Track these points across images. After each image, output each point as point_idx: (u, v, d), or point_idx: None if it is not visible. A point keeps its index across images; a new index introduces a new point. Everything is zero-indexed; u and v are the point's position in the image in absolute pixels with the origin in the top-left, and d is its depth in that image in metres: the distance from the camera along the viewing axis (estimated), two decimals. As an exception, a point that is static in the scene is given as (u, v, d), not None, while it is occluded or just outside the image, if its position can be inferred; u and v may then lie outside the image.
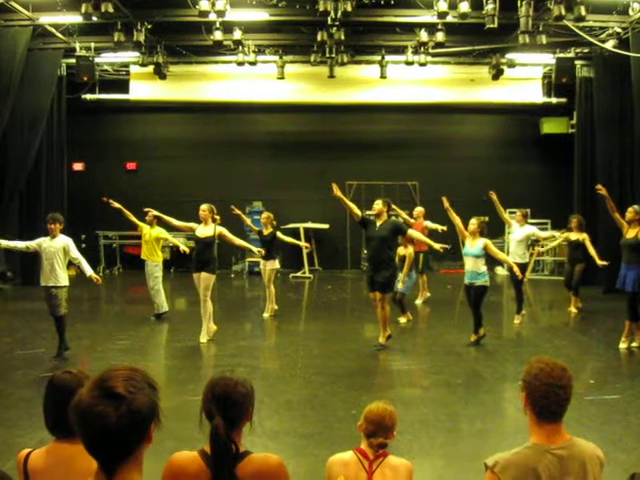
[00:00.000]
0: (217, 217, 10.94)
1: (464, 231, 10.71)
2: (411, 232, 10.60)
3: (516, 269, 10.51)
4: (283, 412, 7.43)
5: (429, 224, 14.30)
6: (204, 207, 10.84)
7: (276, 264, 13.06)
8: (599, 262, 12.30)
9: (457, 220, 10.99)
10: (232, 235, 10.95)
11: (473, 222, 10.59)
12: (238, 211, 13.53)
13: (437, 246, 10.75)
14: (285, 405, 7.69)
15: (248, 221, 14.26)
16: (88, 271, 9.56)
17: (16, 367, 9.14)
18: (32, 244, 9.58)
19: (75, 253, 9.51)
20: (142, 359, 10.03)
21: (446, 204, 10.94)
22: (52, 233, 9.43)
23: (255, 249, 11.64)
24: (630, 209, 10.29)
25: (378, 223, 10.18)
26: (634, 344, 10.24)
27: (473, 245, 10.38)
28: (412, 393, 8.41)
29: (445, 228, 14.34)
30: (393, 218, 10.56)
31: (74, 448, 2.71)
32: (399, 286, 11.74)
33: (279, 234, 13.08)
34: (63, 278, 9.47)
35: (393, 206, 12.34)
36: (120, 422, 1.84)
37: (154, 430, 1.98)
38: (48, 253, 9.40)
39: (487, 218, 19.71)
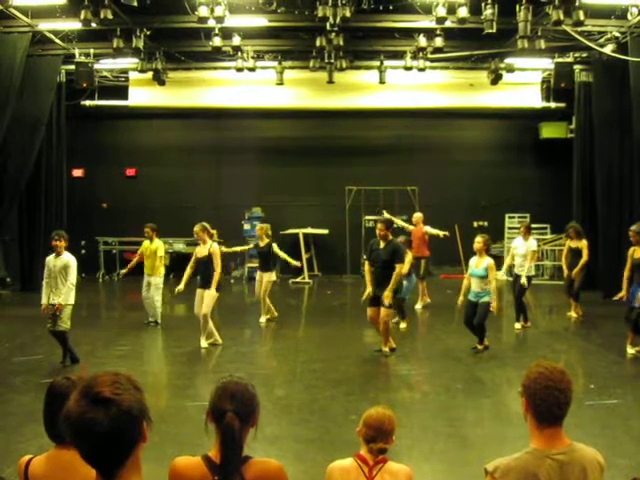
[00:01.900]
0: (213, 232, 11.00)
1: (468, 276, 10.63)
2: (403, 267, 10.34)
3: (493, 305, 10.28)
4: (283, 417, 7.43)
5: (429, 229, 14.27)
6: (196, 229, 10.89)
7: (273, 276, 12.96)
8: (574, 272, 12.77)
9: (465, 285, 10.85)
10: (218, 260, 10.76)
11: (478, 240, 10.40)
12: (229, 249, 13.64)
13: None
14: (285, 410, 7.69)
15: (242, 248, 14.32)
16: (62, 296, 9.33)
17: (16, 373, 9.13)
18: (46, 275, 9.55)
19: (70, 276, 9.34)
20: (142, 365, 10.05)
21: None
22: (57, 250, 9.43)
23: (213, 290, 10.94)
24: (630, 232, 10.33)
25: (382, 244, 10.11)
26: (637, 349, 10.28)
27: (479, 265, 10.24)
28: (412, 398, 8.41)
29: (447, 234, 14.29)
30: (395, 241, 10.36)
31: (74, 454, 2.70)
32: None
33: (275, 247, 12.92)
34: (68, 296, 9.39)
35: (388, 216, 12.24)
36: (113, 425, 1.84)
37: (147, 429, 1.98)
38: (53, 272, 9.42)
39: (486, 223, 19.95)
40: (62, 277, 9.36)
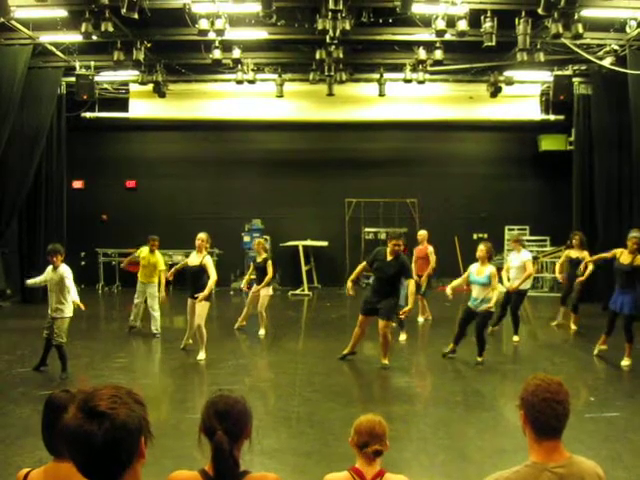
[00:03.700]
0: (207, 246, 11.02)
1: (467, 274, 10.63)
2: (411, 284, 10.20)
3: (489, 306, 10.25)
4: (281, 430, 7.42)
5: (432, 255, 13.77)
6: (203, 236, 10.96)
7: (270, 290, 13.07)
8: (578, 281, 12.77)
9: (461, 279, 10.93)
10: (211, 271, 10.70)
11: (481, 248, 10.37)
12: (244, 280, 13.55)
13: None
14: (283, 423, 7.67)
15: (249, 274, 14.04)
16: (74, 297, 9.50)
17: (15, 385, 9.13)
18: (44, 276, 9.75)
19: (67, 282, 9.44)
20: (140, 377, 10.03)
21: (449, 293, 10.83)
22: (54, 265, 9.52)
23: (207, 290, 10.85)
24: (633, 239, 10.12)
25: (389, 257, 10.11)
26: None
27: (481, 273, 10.23)
28: (411, 410, 8.39)
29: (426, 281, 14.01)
30: (404, 256, 10.35)
31: (72, 467, 2.70)
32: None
33: (270, 263, 12.90)
34: (66, 309, 9.52)
35: None
36: (106, 438, 1.83)
37: (146, 445, 1.97)
38: (51, 285, 9.56)
39: (486, 235, 19.93)
40: (59, 290, 9.47)
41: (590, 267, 12.68)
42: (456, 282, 10.97)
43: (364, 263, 10.85)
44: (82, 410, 1.88)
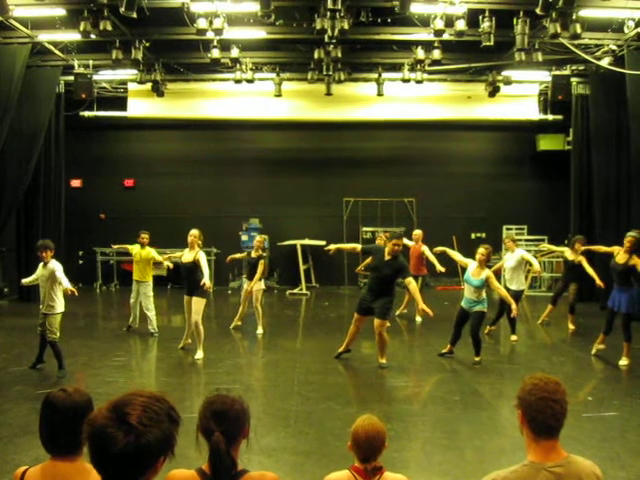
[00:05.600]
0: (200, 242, 11.01)
1: (464, 263, 10.65)
2: (411, 283, 10.08)
3: (514, 307, 10.39)
4: (280, 429, 7.41)
5: (427, 251, 13.84)
6: (195, 232, 10.95)
7: (262, 285, 13.23)
8: (598, 282, 12.23)
9: (457, 257, 11.00)
10: (203, 265, 10.64)
11: (482, 252, 10.28)
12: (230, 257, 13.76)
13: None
14: (282, 422, 7.66)
15: (241, 256, 14.15)
16: (66, 285, 9.39)
17: (12, 383, 9.11)
18: (36, 274, 9.76)
19: (58, 274, 9.37)
20: (138, 376, 10.03)
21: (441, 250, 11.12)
22: (44, 260, 9.51)
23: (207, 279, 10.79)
24: (629, 238, 10.09)
25: (388, 257, 10.04)
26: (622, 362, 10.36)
27: (477, 275, 10.22)
28: (409, 410, 8.38)
29: (443, 270, 13.75)
30: (401, 257, 10.21)
31: (69, 466, 2.71)
32: None
33: (262, 262, 12.97)
34: (58, 305, 9.53)
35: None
36: (125, 450, 1.83)
37: (163, 463, 1.96)
38: (42, 281, 9.57)
39: (484, 234, 19.97)
40: (50, 286, 9.47)
41: (599, 283, 12.41)
42: (453, 253, 11.10)
43: (359, 246, 10.97)
44: (113, 411, 1.87)
